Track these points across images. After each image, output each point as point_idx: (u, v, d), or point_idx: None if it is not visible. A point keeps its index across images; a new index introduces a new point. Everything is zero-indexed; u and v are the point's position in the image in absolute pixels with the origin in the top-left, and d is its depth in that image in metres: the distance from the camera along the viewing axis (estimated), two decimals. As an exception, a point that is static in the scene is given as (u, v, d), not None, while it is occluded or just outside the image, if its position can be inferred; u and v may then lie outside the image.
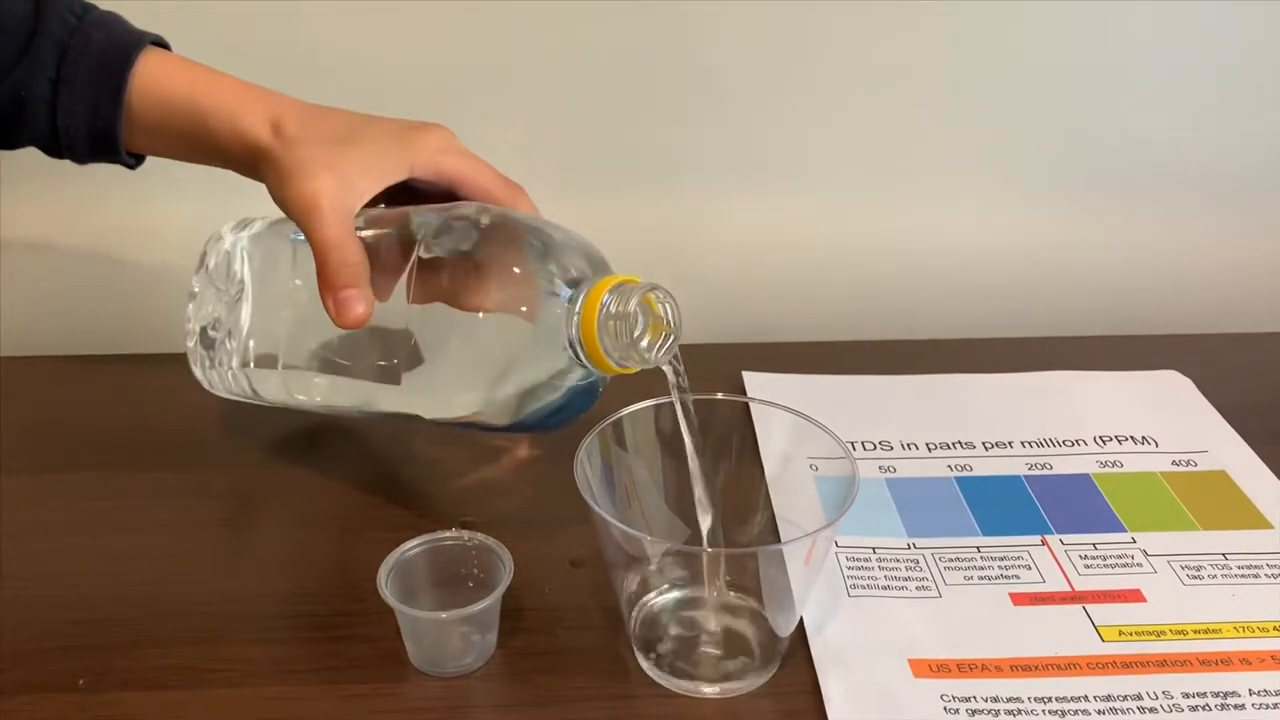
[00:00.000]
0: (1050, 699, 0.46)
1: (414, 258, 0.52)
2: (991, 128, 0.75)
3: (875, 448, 0.63)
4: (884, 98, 0.74)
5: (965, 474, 0.61)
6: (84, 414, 0.66)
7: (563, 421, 0.53)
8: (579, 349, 0.49)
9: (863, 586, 0.52)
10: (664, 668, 0.48)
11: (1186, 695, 0.47)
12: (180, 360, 0.71)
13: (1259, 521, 0.57)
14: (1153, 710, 0.46)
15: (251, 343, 0.59)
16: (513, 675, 0.48)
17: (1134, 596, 0.52)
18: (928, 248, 0.79)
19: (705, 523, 0.50)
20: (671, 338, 0.49)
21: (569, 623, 0.51)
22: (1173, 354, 0.72)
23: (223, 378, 0.61)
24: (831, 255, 0.78)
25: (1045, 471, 0.61)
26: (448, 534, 0.50)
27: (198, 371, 0.62)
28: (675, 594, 0.50)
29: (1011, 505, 0.58)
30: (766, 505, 0.52)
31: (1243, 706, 0.46)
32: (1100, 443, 0.63)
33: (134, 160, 0.56)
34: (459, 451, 0.63)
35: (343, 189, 0.50)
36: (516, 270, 0.51)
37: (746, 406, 0.53)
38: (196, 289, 0.61)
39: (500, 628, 0.49)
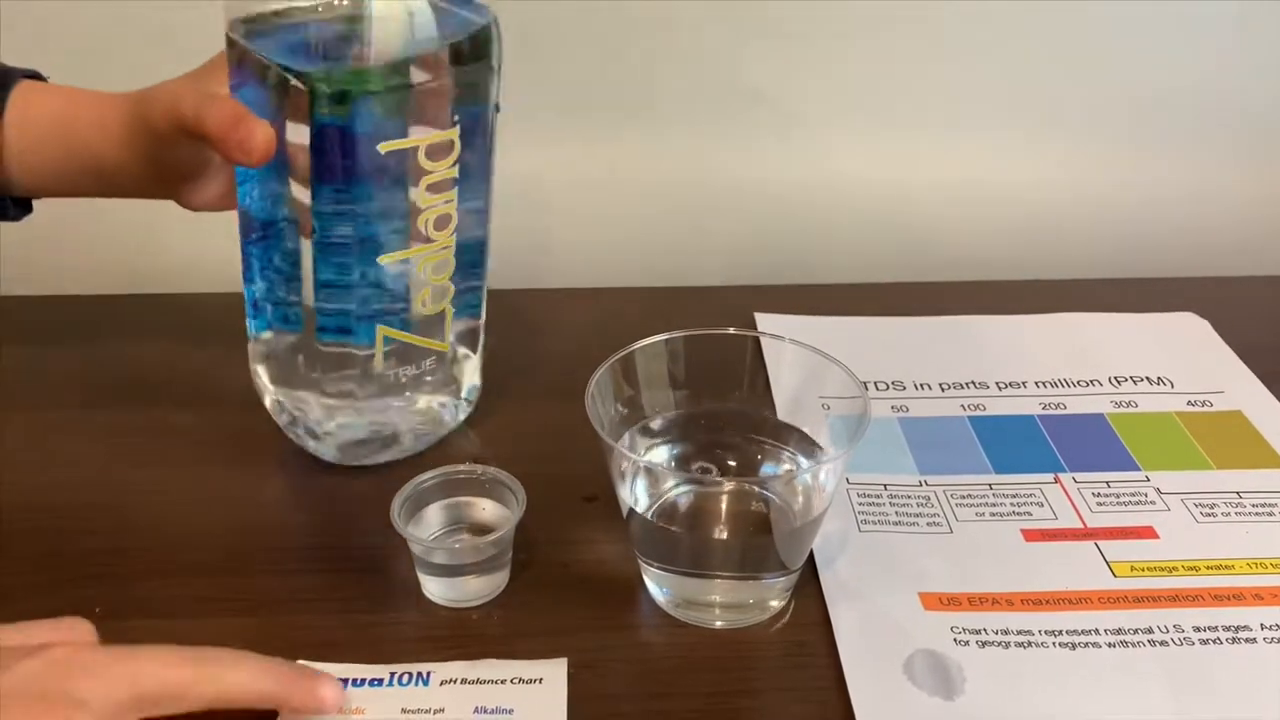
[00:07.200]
0: (1061, 632, 0.47)
1: None
2: (1008, 67, 0.74)
3: (888, 387, 0.62)
4: (896, 35, 0.73)
5: (978, 413, 0.60)
6: (94, 353, 0.66)
7: None
8: None
9: (874, 522, 0.52)
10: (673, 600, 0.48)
11: (1198, 629, 0.47)
12: (190, 300, 0.71)
13: (1274, 460, 0.57)
14: (1164, 643, 0.46)
15: None
16: (524, 605, 0.48)
17: (1147, 533, 0.52)
18: (941, 189, 0.78)
19: None
20: None
21: (581, 555, 0.51)
22: (1190, 296, 0.71)
23: None
24: (843, 198, 0.78)
25: (1059, 411, 0.60)
26: (461, 467, 0.50)
27: None
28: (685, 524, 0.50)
29: (1024, 444, 0.58)
30: (777, 444, 0.51)
31: (1254, 640, 0.46)
32: (1115, 383, 0.63)
33: (16, 210, 0.55)
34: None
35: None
36: None
37: (758, 345, 0.53)
38: None
39: (513, 559, 0.49)
